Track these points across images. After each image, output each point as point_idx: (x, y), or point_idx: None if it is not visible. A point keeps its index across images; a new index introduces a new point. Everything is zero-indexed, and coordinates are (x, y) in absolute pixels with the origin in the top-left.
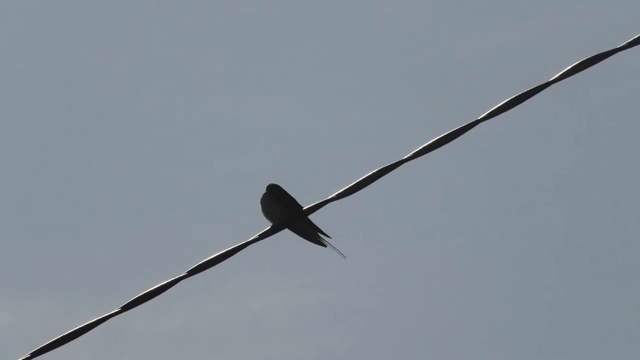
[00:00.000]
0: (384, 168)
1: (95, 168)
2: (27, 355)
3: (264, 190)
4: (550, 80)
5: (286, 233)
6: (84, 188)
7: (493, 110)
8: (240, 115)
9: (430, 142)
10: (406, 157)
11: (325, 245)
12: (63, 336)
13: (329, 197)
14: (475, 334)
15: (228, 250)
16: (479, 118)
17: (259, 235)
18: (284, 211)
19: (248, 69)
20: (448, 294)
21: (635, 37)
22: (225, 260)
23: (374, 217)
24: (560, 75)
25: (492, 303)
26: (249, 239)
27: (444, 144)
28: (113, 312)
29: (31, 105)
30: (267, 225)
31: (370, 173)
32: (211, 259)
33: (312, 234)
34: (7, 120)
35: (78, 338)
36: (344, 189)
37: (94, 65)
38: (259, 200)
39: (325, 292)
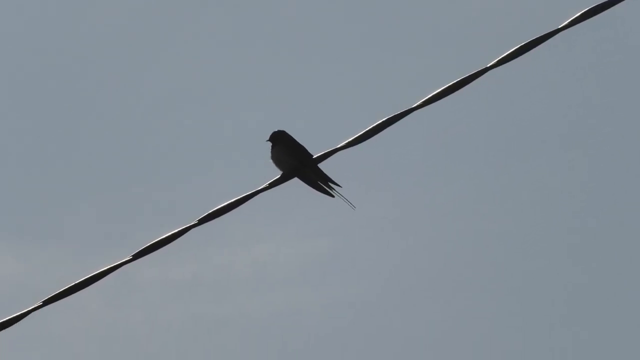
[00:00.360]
0: (393, 116)
1: (106, 117)
2: (39, 303)
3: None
4: (559, 27)
5: (295, 182)
6: (95, 137)
7: (502, 58)
8: (244, 65)
9: (440, 89)
10: (416, 105)
11: (333, 196)
12: (74, 284)
13: (339, 146)
14: (485, 279)
15: (238, 199)
16: (488, 65)
17: (268, 184)
18: (294, 160)
19: (248, 18)
20: (457, 242)
21: None
22: (235, 209)
23: (383, 166)
24: (569, 22)
25: (502, 249)
26: (259, 188)
27: (453, 91)
28: (124, 260)
29: (39, 60)
30: (277, 174)
31: (380, 121)
32: (221, 208)
33: (322, 183)
34: (15, 72)
35: (89, 286)
36: (353, 138)
37: (94, 23)
38: (268, 148)
39: (334, 240)
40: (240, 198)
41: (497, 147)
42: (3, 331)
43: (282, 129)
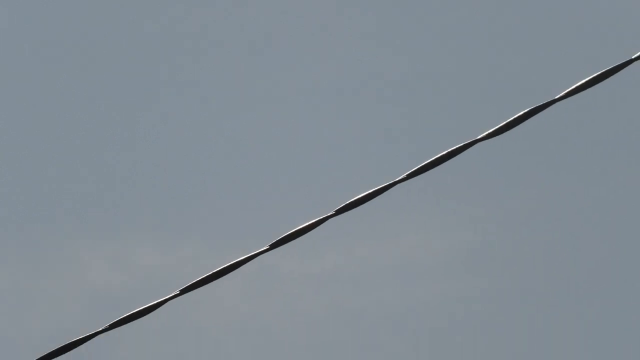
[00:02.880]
0: (534, 108)
1: (244, 109)
2: (177, 292)
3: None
4: None
5: (436, 174)
6: (229, 127)
7: None
8: (368, 61)
9: (583, 81)
10: (558, 97)
11: None
12: (212, 273)
13: (478, 137)
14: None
15: (375, 190)
16: (633, 57)
17: (406, 175)
18: None
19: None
20: (603, 239)
21: None
22: (374, 200)
23: (523, 159)
24: None
25: None
26: (397, 179)
27: (596, 83)
28: (261, 250)
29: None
30: (414, 165)
31: (521, 113)
32: (359, 198)
33: None
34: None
35: (226, 276)
36: (493, 129)
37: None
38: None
39: (478, 234)
40: (377, 189)
41: None
42: (140, 319)
43: None
